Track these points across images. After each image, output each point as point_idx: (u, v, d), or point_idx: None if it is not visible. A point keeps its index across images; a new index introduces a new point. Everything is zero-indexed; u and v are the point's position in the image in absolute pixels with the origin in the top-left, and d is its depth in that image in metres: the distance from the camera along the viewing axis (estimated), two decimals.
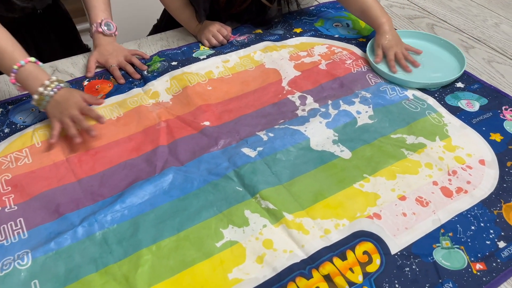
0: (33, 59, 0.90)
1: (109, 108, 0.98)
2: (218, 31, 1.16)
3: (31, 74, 0.89)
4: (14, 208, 0.78)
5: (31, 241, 0.73)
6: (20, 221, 0.76)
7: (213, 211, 0.77)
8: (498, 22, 1.29)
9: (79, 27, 1.39)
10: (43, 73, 0.90)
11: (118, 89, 1.03)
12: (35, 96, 0.88)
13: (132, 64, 1.09)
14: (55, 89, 0.88)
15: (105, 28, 1.09)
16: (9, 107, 0.99)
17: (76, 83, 1.05)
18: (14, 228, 0.74)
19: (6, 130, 0.93)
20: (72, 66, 1.12)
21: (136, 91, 1.02)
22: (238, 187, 0.81)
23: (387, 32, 1.09)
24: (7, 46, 0.89)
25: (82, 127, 0.88)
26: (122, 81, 1.05)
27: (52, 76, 0.90)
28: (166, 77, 1.06)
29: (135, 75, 1.07)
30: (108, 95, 1.02)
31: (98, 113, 0.89)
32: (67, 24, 1.34)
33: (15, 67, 0.88)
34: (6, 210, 0.77)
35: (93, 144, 0.89)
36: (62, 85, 0.90)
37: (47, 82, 0.88)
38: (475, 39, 1.22)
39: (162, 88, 1.03)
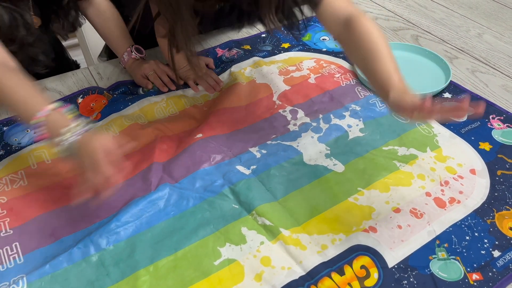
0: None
1: (105, 127, 0.98)
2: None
3: None
4: (10, 232, 0.77)
5: (27, 266, 0.72)
6: (16, 245, 0.75)
7: (210, 229, 0.77)
8: (481, 32, 1.31)
9: (66, 43, 1.38)
10: None
11: (112, 106, 1.03)
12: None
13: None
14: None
15: (137, 53, 1.12)
16: (4, 128, 0.98)
17: (70, 100, 1.05)
18: (10, 253, 0.74)
19: (1, 152, 0.92)
20: (61, 84, 1.11)
21: (131, 108, 1.02)
22: (234, 205, 0.81)
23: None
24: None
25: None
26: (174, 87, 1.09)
27: None
28: (163, 96, 1.06)
29: (171, 85, 1.09)
30: (103, 112, 1.02)
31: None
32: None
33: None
34: (1, 234, 0.77)
35: None
36: None
37: None
38: (459, 49, 1.24)
39: (158, 106, 1.03)
